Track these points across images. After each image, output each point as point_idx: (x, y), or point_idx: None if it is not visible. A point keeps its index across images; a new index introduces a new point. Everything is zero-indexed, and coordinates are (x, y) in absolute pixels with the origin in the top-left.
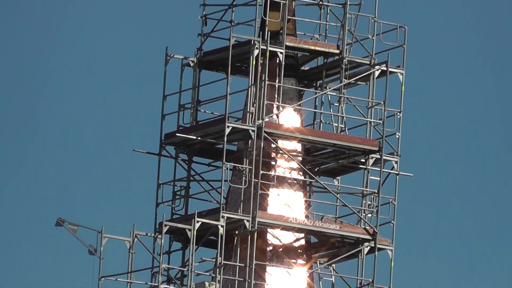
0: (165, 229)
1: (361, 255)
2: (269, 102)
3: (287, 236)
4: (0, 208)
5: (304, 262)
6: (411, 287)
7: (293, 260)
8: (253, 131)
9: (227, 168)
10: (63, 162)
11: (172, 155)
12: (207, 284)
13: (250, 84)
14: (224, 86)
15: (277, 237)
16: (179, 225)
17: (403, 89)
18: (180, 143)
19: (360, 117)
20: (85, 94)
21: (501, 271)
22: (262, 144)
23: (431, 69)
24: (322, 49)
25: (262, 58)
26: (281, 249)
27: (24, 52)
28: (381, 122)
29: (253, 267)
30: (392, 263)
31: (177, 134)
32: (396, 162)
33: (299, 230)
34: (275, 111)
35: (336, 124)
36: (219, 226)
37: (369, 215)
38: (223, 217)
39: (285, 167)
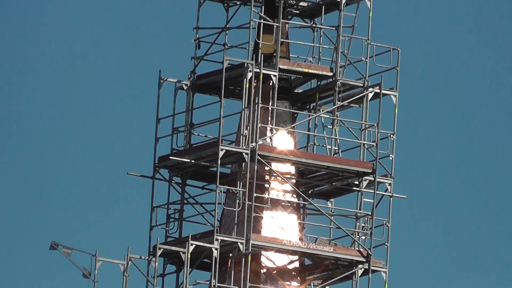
0: (159, 252)
1: (355, 277)
2: (262, 125)
3: (281, 258)
4: None
5: (298, 284)
6: None
7: (287, 283)
8: (246, 154)
9: (220, 191)
10: (57, 186)
11: (166, 178)
12: None
13: (243, 107)
14: (218, 109)
15: (271, 260)
16: (173, 248)
17: (396, 111)
18: (173, 166)
19: (354, 139)
20: (79, 117)
21: None
22: (255, 166)
23: (424, 91)
24: (315, 71)
25: (255, 81)
26: (275, 271)
27: (15, 82)
28: (374, 144)
29: None
30: (386, 285)
31: (170, 157)
32: (390, 184)
33: (293, 253)
34: (268, 134)
35: (330, 147)
36: (213, 249)
37: (363, 237)
38: (217, 239)
39: (279, 189)
